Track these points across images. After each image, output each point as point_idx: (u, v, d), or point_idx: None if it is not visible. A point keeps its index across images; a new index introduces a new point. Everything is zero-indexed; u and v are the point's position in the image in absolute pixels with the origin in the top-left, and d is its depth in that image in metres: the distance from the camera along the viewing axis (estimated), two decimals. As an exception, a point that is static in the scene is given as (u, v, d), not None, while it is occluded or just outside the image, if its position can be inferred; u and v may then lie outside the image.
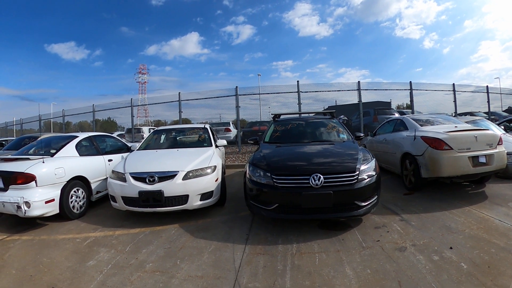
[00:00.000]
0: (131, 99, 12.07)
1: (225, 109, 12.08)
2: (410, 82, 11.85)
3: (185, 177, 4.08)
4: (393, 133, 6.06)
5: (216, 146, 5.53)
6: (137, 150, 5.37)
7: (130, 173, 4.14)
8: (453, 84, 12.86)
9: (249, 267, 2.79)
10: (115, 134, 8.83)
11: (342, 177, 3.37)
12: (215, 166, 4.44)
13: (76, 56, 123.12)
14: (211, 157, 4.66)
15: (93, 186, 4.80)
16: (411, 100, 11.85)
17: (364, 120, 11.14)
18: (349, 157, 3.76)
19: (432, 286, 2.33)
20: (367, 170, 3.54)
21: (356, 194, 3.35)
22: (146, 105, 12.93)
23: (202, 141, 5.73)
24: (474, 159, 4.46)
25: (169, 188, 3.95)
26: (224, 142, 5.82)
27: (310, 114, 6.85)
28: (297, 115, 6.51)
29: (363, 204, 3.40)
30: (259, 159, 3.93)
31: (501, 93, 15.63)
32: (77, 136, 5.16)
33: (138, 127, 15.17)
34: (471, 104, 14.90)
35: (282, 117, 6.09)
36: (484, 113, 13.93)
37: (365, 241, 3.19)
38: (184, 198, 4.00)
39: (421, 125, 5.42)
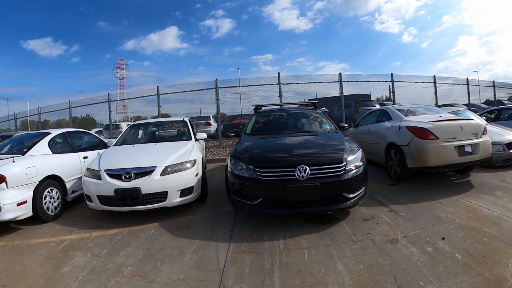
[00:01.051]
0: (108, 94, 11.52)
1: (205, 104, 11.79)
2: (392, 74, 11.81)
3: (164, 173, 3.78)
4: (377, 124, 5.92)
5: (196, 140, 5.22)
6: (113, 146, 4.98)
7: (105, 170, 3.81)
8: (434, 76, 12.96)
9: (234, 267, 2.55)
10: (93, 131, 8.39)
11: (329, 169, 3.17)
12: (195, 160, 4.15)
13: (53, 52, 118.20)
14: (190, 151, 4.36)
15: (68, 185, 4.42)
16: (392, 92, 11.82)
17: (345, 112, 11.06)
18: (335, 147, 3.57)
19: (428, 279, 2.17)
20: (354, 160, 3.36)
21: (344, 185, 3.17)
22: (124, 99, 12.37)
23: (181, 135, 5.38)
24: (460, 148, 4.37)
25: (146, 184, 3.64)
26: (204, 135, 5.49)
27: (293, 106, 6.63)
28: (279, 106, 6.25)
29: (351, 196, 3.22)
30: (241, 151, 3.68)
31: (479, 85, 15.91)
32: (50, 133, 4.74)
33: (117, 123, 14.59)
34: (449, 97, 15.10)
35: (263, 108, 5.82)
36: (464, 105, 14.13)
37: (355, 234, 3.01)
38: (163, 195, 3.70)
39: (405, 115, 5.29)
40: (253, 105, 5.86)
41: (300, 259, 2.59)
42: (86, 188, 3.88)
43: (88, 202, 3.95)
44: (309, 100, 11.58)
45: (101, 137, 6.06)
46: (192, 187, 3.94)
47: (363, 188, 3.41)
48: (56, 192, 4.23)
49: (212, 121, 12.81)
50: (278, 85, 10.39)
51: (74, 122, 13.71)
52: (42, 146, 4.41)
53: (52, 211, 4.10)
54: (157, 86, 10.56)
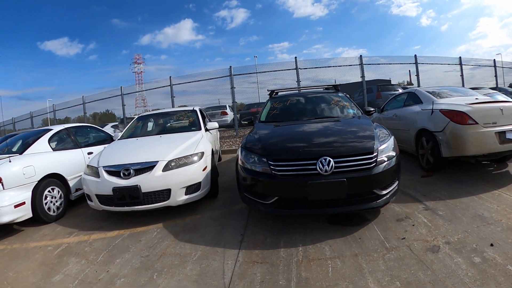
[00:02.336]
0: (121, 87, 11.18)
1: (224, 94, 11.15)
2: (415, 55, 10.83)
3: (166, 168, 3.32)
4: (404, 108, 5.17)
5: (207, 130, 4.69)
6: (118, 139, 4.57)
7: (103, 167, 3.40)
8: (460, 57, 11.84)
9: (242, 282, 2.07)
10: (108, 126, 8.12)
11: (357, 160, 2.60)
12: (202, 153, 3.65)
13: (70, 51, 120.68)
14: (198, 142, 3.86)
15: (71, 183, 4.07)
16: (417, 74, 10.83)
17: (367, 98, 10.24)
18: (363, 135, 2.98)
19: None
20: (386, 150, 2.77)
21: (375, 180, 2.60)
22: (136, 92, 12.02)
23: (190, 125, 4.87)
24: (501, 135, 3.62)
25: (147, 182, 3.21)
26: (216, 124, 4.90)
27: (311, 90, 5.97)
28: (297, 91, 5.50)
29: (383, 192, 2.65)
30: (253, 141, 3.14)
31: (503, 67, 14.52)
32: (51, 130, 4.40)
33: (133, 116, 14.41)
34: (471, 82, 13.85)
35: (280, 93, 5.18)
36: (490, 88, 12.96)
37: (388, 240, 2.44)
38: (165, 193, 3.26)
39: (437, 97, 4.56)
40: (268, 90, 5.21)
41: (322, 274, 2.08)
42: (86, 187, 3.51)
43: (88, 202, 3.58)
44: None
45: (111, 131, 5.73)
46: (200, 183, 3.47)
47: (396, 182, 2.82)
48: (58, 191, 3.90)
49: (228, 110, 12.15)
50: (295, 70, 9.68)
51: (94, 118, 13.64)
52: (42, 143, 4.07)
53: (54, 211, 3.78)
54: (170, 77, 10.15)
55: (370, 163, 2.60)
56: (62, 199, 3.94)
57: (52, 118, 13.71)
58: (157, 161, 3.33)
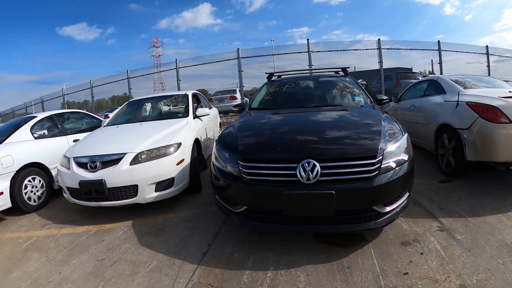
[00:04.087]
0: (127, 70, 10.92)
1: (244, 78, 10.43)
2: (439, 41, 9.61)
3: (134, 161, 2.88)
4: (425, 98, 4.29)
5: (196, 116, 4.15)
6: (103, 126, 4.16)
7: (74, 158, 3.04)
8: (487, 46, 10.33)
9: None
10: (115, 111, 7.89)
11: (353, 166, 1.92)
12: (179, 144, 3.14)
13: (89, 36, 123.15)
14: (178, 131, 3.35)
15: (54, 172, 3.77)
16: (440, 62, 9.56)
17: (385, 85, 9.13)
18: (366, 130, 2.28)
19: None
20: (395, 152, 2.05)
21: (376, 194, 1.91)
22: (141, 75, 11.51)
23: (178, 111, 4.35)
24: None
25: (112, 176, 2.80)
26: (207, 110, 4.27)
27: (316, 73, 5.20)
28: (299, 75, 4.65)
29: (387, 209, 1.96)
30: (229, 133, 2.55)
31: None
32: (35, 117, 4.11)
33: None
34: (493, 75, 12.31)
35: (283, 77, 4.44)
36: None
37: (385, 274, 1.79)
38: (132, 190, 2.83)
39: (464, 88, 3.69)
40: (266, 73, 4.47)
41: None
42: (59, 178, 3.19)
43: (63, 193, 3.26)
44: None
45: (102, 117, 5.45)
46: (173, 178, 2.98)
47: (406, 195, 2.11)
48: (40, 181, 3.64)
49: (238, 94, 11.78)
50: (307, 53, 8.89)
51: (113, 101, 13.65)
52: (23, 132, 3.78)
53: (35, 201, 3.53)
54: (176, 60, 9.77)
55: (371, 171, 1.90)
56: (44, 189, 3.68)
57: (69, 101, 13.81)
58: (125, 153, 2.89)
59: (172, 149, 3.06)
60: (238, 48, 9.03)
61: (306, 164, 1.91)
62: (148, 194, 2.88)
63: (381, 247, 2.09)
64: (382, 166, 1.93)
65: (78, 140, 4.23)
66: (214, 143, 2.56)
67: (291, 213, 1.94)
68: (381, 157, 1.95)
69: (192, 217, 2.89)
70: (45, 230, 3.01)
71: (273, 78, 4.39)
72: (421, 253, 1.98)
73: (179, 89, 9.91)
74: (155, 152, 2.97)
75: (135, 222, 2.89)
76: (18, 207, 3.41)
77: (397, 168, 1.99)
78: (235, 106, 3.98)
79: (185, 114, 4.08)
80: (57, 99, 14.18)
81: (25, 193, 3.49)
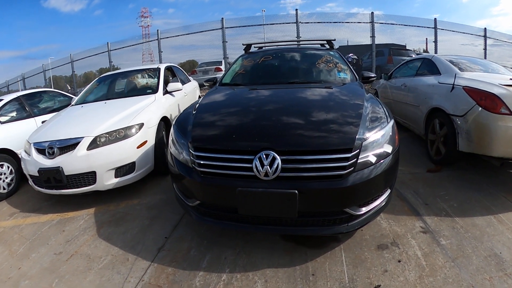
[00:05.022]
0: (108, 43, 10.33)
1: (233, 49, 9.99)
2: (435, 19, 9.09)
3: (92, 145, 2.67)
4: (417, 78, 3.94)
5: (167, 92, 3.81)
6: (70, 106, 3.80)
7: (34, 144, 2.83)
8: (485, 28, 9.83)
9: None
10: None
11: (322, 161, 1.62)
12: (141, 124, 2.88)
13: (75, 7, 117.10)
14: (141, 110, 3.06)
15: None
16: (435, 40, 9.03)
17: (376, 61, 8.68)
18: (344, 114, 1.95)
19: None
20: (377, 143, 1.73)
21: (349, 195, 1.63)
22: (122, 48, 10.85)
23: (147, 87, 3.98)
24: None
25: (68, 163, 2.60)
26: (179, 85, 3.91)
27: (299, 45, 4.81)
28: (280, 46, 4.20)
29: (362, 211, 1.70)
30: (186, 115, 2.26)
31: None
32: (1, 100, 3.84)
33: None
34: (488, 59, 11.77)
35: (264, 48, 4.04)
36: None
37: (354, 286, 1.58)
38: (91, 176, 2.64)
39: (461, 70, 3.33)
40: (243, 44, 3.94)
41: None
42: (23, 165, 3.00)
43: (28, 181, 3.13)
44: (339, 47, 9.49)
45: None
46: (134, 163, 2.76)
47: (387, 193, 1.83)
48: (8, 167, 3.48)
49: (223, 66, 11.29)
50: (295, 24, 8.35)
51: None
52: None
53: (4, 188, 3.34)
54: (157, 30, 9.24)
55: (344, 167, 1.60)
56: (13, 175, 3.54)
57: (56, 75, 13.23)
58: (82, 137, 2.67)
59: (133, 130, 2.82)
60: (222, 18, 8.45)
61: (264, 157, 1.62)
62: (107, 180, 2.69)
63: (354, 250, 1.86)
64: (358, 161, 1.63)
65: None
66: (172, 125, 2.28)
67: (246, 213, 1.70)
68: (358, 150, 1.64)
69: (155, 204, 2.71)
70: (12, 220, 2.86)
71: (253, 50, 3.99)
72: (399, 261, 1.75)
73: (161, 61, 9.44)
74: (114, 135, 2.74)
75: (97, 209, 2.73)
76: (-15, 196, 3.31)
77: (378, 163, 1.69)
78: (207, 80, 3.55)
79: (155, 90, 3.76)
80: (41, 75, 13.61)
81: (-6, 181, 3.37)
